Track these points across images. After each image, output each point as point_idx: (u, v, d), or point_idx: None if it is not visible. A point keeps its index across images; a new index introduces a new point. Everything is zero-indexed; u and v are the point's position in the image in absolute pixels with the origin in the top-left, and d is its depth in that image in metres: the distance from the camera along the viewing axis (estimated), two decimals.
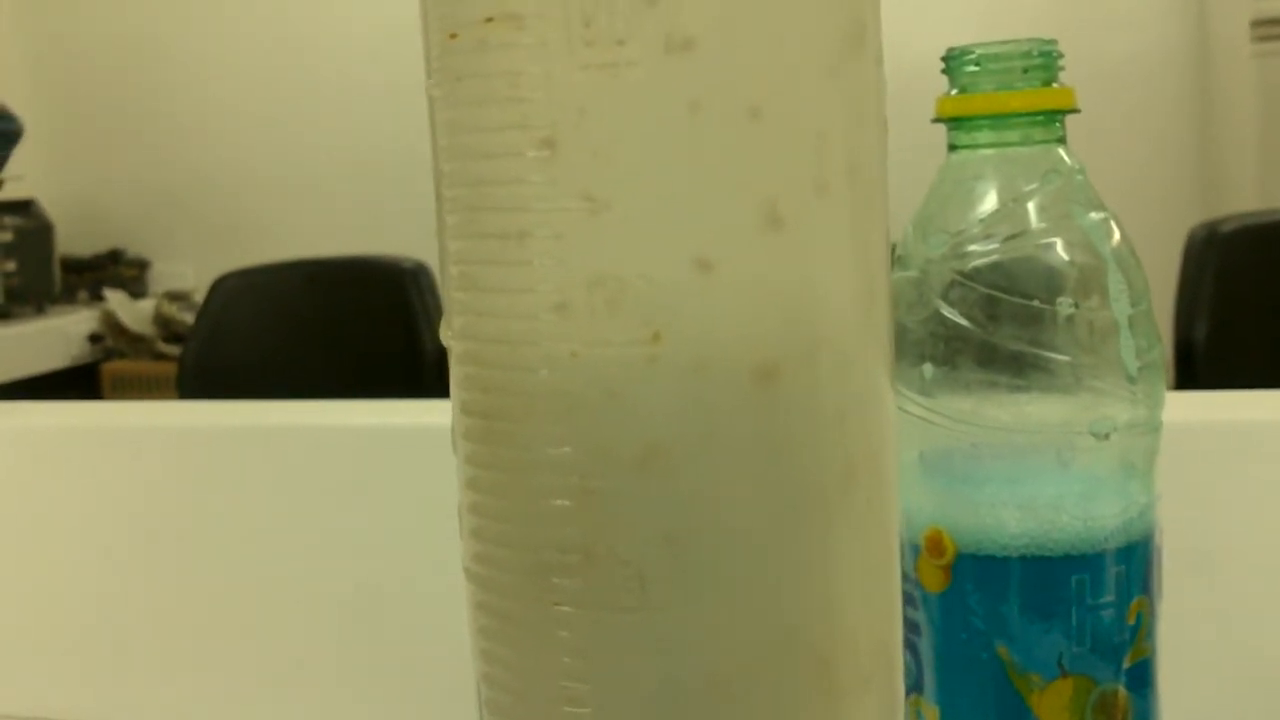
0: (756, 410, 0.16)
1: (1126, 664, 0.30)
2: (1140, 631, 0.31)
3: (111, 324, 2.18)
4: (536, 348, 0.17)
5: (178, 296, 2.29)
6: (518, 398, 0.17)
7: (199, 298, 1.58)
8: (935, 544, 0.31)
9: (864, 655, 0.18)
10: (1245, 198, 1.88)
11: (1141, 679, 0.31)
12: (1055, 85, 0.31)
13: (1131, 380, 0.30)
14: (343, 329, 1.24)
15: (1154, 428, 0.31)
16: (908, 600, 0.32)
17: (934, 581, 0.31)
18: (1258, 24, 1.90)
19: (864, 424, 0.17)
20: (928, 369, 0.31)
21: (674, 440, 0.16)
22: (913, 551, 0.32)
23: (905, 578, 0.32)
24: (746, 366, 0.16)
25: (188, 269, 2.43)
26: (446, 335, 0.18)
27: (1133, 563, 0.30)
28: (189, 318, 2.06)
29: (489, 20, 0.16)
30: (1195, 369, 1.07)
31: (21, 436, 0.64)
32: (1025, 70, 0.31)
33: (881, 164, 0.18)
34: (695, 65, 0.16)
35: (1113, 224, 0.31)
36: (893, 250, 0.29)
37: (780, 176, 0.17)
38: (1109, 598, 0.30)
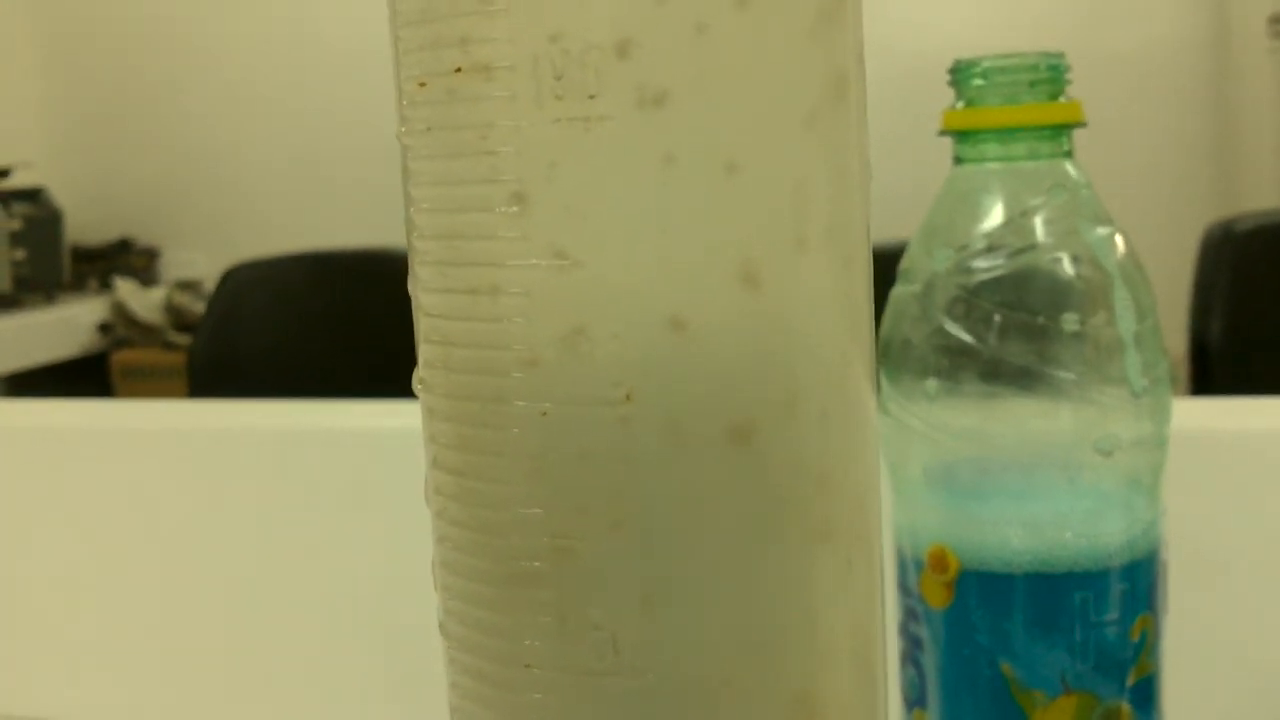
0: (733, 471, 0.16)
1: (1130, 681, 0.30)
2: (1144, 648, 0.30)
3: (121, 313, 2.19)
4: (508, 406, 0.17)
5: (188, 285, 2.29)
6: (489, 456, 0.17)
7: (209, 287, 1.58)
8: (939, 560, 0.31)
9: (847, 710, 0.17)
10: (1262, 195, 1.86)
11: (1145, 696, 0.31)
12: (1062, 99, 0.31)
13: (1137, 396, 0.30)
14: (353, 320, 1.25)
15: (1160, 443, 0.31)
16: (911, 615, 0.32)
17: (938, 598, 0.31)
18: (1277, 19, 1.87)
19: (845, 481, 0.17)
20: (931, 384, 0.31)
21: (648, 501, 0.16)
22: (916, 567, 0.31)
23: (909, 593, 0.32)
24: (722, 426, 0.16)
25: (198, 258, 2.43)
26: (418, 386, 0.18)
27: (1137, 579, 0.30)
28: (199, 307, 2.06)
29: (458, 70, 0.16)
30: (1210, 369, 1.06)
31: (27, 436, 0.64)
32: (1032, 84, 0.31)
33: (864, 214, 0.18)
34: (669, 119, 0.16)
35: (1119, 239, 0.31)
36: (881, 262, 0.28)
37: (757, 232, 0.16)
38: (1113, 615, 0.30)
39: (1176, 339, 1.10)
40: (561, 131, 0.16)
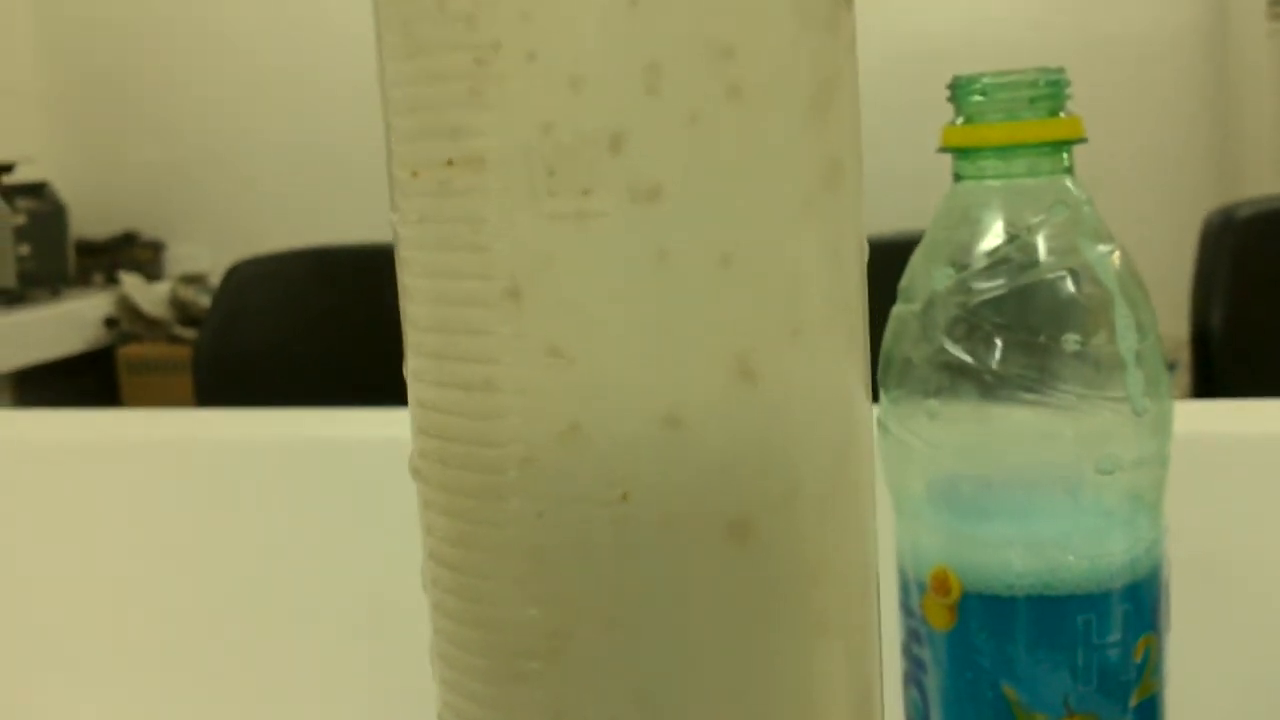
0: (730, 567, 0.16)
1: (1133, 702, 0.30)
2: (1147, 669, 0.30)
3: (127, 307, 2.18)
4: (503, 504, 0.16)
5: (193, 279, 2.28)
6: (484, 552, 0.17)
7: (215, 280, 1.58)
8: (941, 583, 0.31)
9: None
10: (1263, 181, 1.84)
11: (1149, 716, 0.31)
12: (1062, 115, 0.31)
13: (1139, 415, 0.30)
14: (360, 316, 1.24)
15: (1162, 461, 0.31)
16: (913, 637, 0.32)
17: (940, 620, 0.31)
18: (1276, 2, 1.84)
19: (843, 571, 0.17)
20: (931, 403, 0.31)
21: (644, 599, 0.16)
22: (919, 589, 0.31)
23: (911, 615, 0.32)
24: (718, 524, 0.16)
25: (203, 251, 2.42)
26: (414, 475, 0.18)
27: (1140, 600, 0.30)
28: (205, 300, 2.06)
29: (449, 163, 0.16)
30: (1211, 357, 1.06)
31: (31, 447, 0.64)
32: (1032, 100, 0.30)
33: (860, 296, 0.17)
34: (663, 213, 0.16)
35: (1119, 256, 0.31)
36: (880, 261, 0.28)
37: (753, 326, 0.16)
38: (1115, 636, 0.30)
39: (1178, 327, 1.10)
40: (555, 227, 0.16)
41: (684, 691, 0.16)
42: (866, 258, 0.17)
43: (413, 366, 0.17)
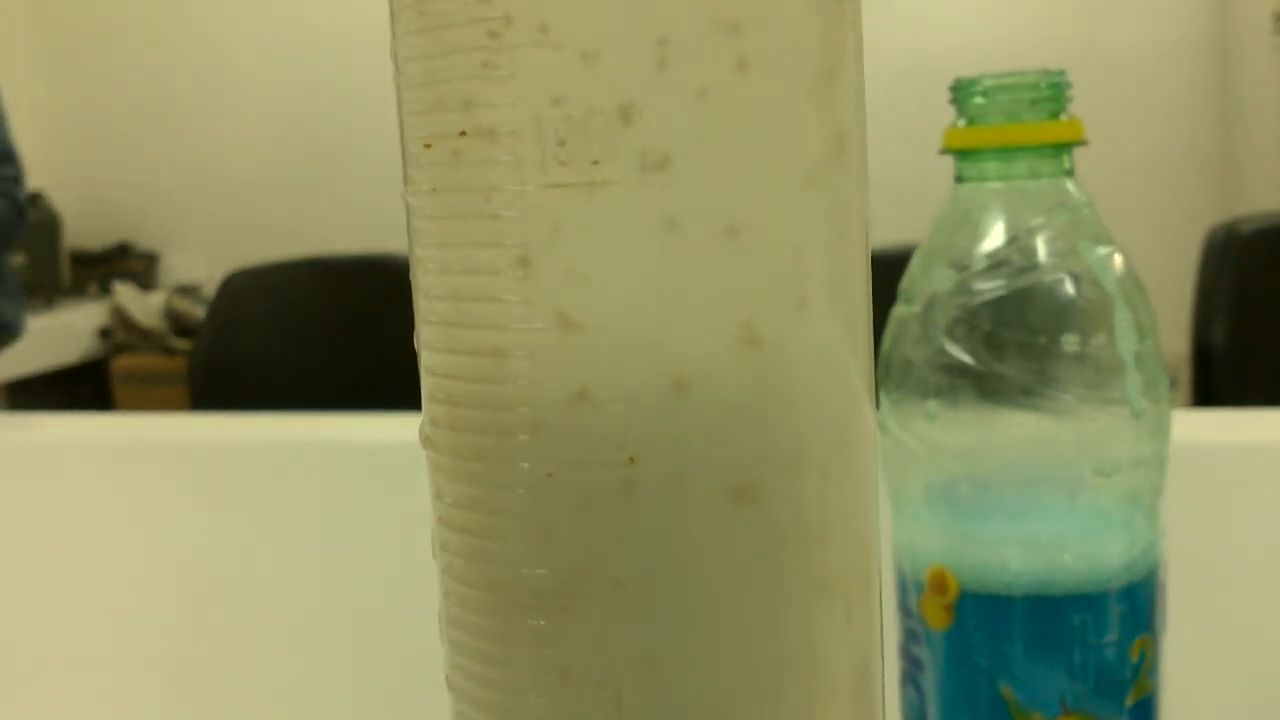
0: (734, 529, 0.16)
1: (1129, 702, 0.30)
2: (1143, 669, 0.31)
3: (121, 318, 2.18)
4: (513, 467, 0.17)
5: (188, 290, 2.29)
6: (494, 515, 0.17)
7: (209, 291, 1.58)
8: (939, 582, 0.31)
9: None
10: (1266, 197, 1.85)
11: (1145, 716, 0.31)
12: (1063, 116, 0.31)
13: (1137, 417, 0.30)
14: (354, 327, 1.25)
15: (1160, 463, 0.31)
16: (911, 637, 0.32)
17: (938, 619, 0.31)
18: None
19: (845, 535, 0.17)
20: (931, 404, 0.31)
21: (650, 561, 0.16)
22: (916, 589, 0.32)
23: (909, 614, 0.32)
24: (724, 487, 0.16)
25: (198, 261, 2.43)
26: (424, 443, 0.18)
27: (1136, 601, 0.30)
28: (199, 311, 2.06)
29: (462, 134, 0.16)
30: (1212, 372, 1.06)
31: (30, 450, 0.64)
32: (1033, 102, 0.31)
33: (864, 271, 0.18)
34: (671, 184, 0.16)
35: (1119, 258, 0.31)
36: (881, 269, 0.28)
37: (759, 294, 0.16)
38: (1112, 636, 0.30)
39: (1179, 342, 1.10)
40: (565, 196, 0.16)
41: (689, 650, 0.16)
42: (870, 237, 0.18)
43: (424, 336, 0.18)
